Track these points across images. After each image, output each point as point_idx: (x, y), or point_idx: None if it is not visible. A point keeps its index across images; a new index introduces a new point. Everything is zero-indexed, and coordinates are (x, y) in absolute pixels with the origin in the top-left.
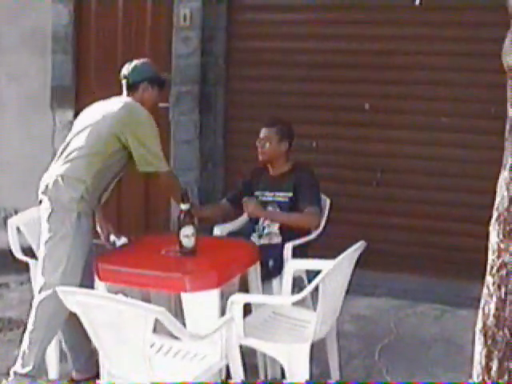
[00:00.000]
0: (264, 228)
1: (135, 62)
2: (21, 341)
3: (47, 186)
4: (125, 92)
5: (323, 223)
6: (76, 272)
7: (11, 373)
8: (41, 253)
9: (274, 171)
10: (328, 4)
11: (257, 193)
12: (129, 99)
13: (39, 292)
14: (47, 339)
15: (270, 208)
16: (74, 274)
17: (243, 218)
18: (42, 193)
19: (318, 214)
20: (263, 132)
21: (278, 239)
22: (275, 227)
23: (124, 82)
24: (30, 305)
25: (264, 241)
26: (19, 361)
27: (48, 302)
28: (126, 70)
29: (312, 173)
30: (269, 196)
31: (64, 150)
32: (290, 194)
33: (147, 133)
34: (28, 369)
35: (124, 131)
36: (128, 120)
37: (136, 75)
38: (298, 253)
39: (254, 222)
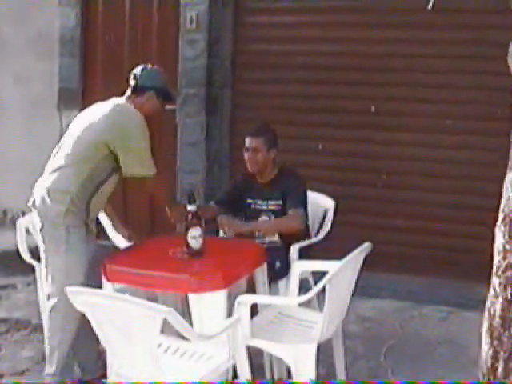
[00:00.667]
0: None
1: (149, 67)
2: (28, 341)
3: (35, 201)
4: (128, 92)
5: (328, 226)
6: (76, 280)
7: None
8: (42, 261)
9: (263, 178)
10: (333, 7)
11: (249, 200)
12: (125, 104)
13: (48, 299)
14: (65, 342)
15: (264, 217)
16: (74, 283)
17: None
18: (32, 206)
19: (300, 216)
20: (250, 142)
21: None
22: (276, 236)
23: (132, 82)
24: (37, 306)
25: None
26: (47, 365)
27: (56, 309)
28: (138, 71)
29: (297, 176)
30: (262, 205)
31: (55, 155)
32: (280, 202)
33: (135, 139)
34: (51, 371)
35: (113, 138)
36: (118, 127)
37: (146, 80)
38: (303, 254)
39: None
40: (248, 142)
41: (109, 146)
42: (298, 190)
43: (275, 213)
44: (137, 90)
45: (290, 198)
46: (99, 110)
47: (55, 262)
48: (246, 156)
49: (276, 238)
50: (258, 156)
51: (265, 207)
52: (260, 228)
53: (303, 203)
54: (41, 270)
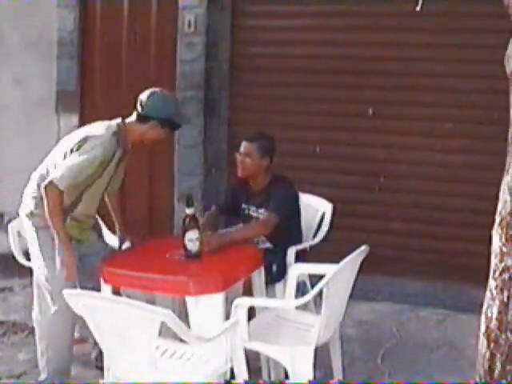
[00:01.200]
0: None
1: (156, 94)
2: (25, 344)
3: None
4: (133, 117)
5: (326, 230)
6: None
7: None
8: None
9: (256, 186)
10: (331, 10)
11: (244, 205)
12: (109, 130)
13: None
14: (53, 348)
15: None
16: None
17: (238, 226)
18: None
19: (268, 221)
20: (244, 146)
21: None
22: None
23: (138, 108)
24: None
25: None
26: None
27: (43, 313)
28: (145, 98)
29: (285, 184)
30: (254, 211)
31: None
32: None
33: (80, 153)
34: (42, 377)
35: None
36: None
37: (150, 109)
38: (300, 257)
39: None
40: (242, 146)
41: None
42: (280, 196)
43: None
44: (141, 118)
45: (270, 203)
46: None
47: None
48: (238, 159)
49: (267, 243)
50: (248, 161)
51: (255, 214)
52: (232, 239)
53: (278, 205)
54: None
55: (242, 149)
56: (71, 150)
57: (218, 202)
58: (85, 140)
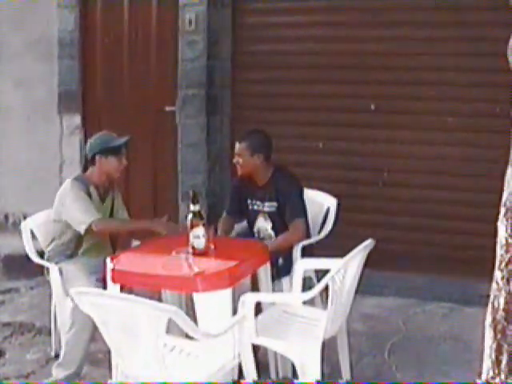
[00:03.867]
0: (259, 232)
1: (90, 139)
2: (32, 344)
3: None
4: (87, 167)
5: (331, 225)
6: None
7: None
8: None
9: (259, 181)
10: (332, 6)
11: (249, 201)
12: (68, 181)
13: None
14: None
15: (260, 219)
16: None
17: (244, 223)
18: None
19: (301, 227)
20: (236, 147)
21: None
22: (268, 229)
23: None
24: (41, 309)
25: None
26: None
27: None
28: (86, 148)
29: (291, 179)
30: (260, 206)
31: None
32: (275, 204)
33: (68, 202)
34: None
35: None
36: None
37: (89, 151)
38: (306, 253)
39: (251, 226)
40: (236, 147)
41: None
42: (293, 193)
43: (271, 214)
44: (90, 162)
45: (289, 207)
46: None
47: None
48: (234, 161)
49: (269, 230)
50: (241, 161)
51: (261, 208)
52: (273, 249)
53: (302, 209)
54: (55, 270)
55: (235, 150)
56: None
57: (225, 209)
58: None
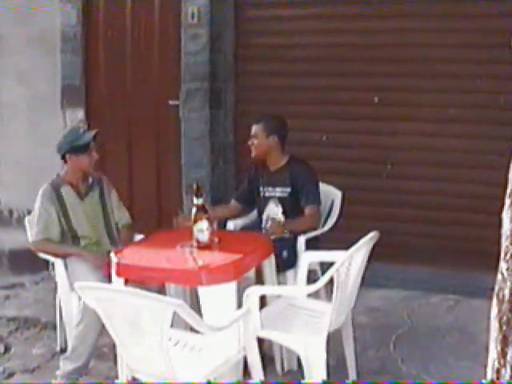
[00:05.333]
0: (268, 218)
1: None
2: (38, 339)
3: None
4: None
5: (335, 217)
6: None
7: None
8: None
9: (272, 166)
10: None
11: (260, 188)
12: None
13: None
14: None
15: (271, 204)
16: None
17: (253, 214)
18: None
19: (316, 214)
20: (252, 129)
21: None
22: (279, 214)
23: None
24: (46, 304)
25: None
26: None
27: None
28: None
29: (308, 167)
30: (271, 192)
31: None
32: (289, 189)
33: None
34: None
35: None
36: None
37: (58, 151)
38: (311, 245)
39: (260, 213)
40: (252, 129)
41: None
42: (311, 183)
43: (282, 200)
44: (64, 161)
45: (304, 191)
46: None
47: None
48: (250, 143)
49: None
50: (256, 142)
51: (273, 194)
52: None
53: (318, 196)
54: (60, 265)
55: (251, 132)
56: None
57: (235, 195)
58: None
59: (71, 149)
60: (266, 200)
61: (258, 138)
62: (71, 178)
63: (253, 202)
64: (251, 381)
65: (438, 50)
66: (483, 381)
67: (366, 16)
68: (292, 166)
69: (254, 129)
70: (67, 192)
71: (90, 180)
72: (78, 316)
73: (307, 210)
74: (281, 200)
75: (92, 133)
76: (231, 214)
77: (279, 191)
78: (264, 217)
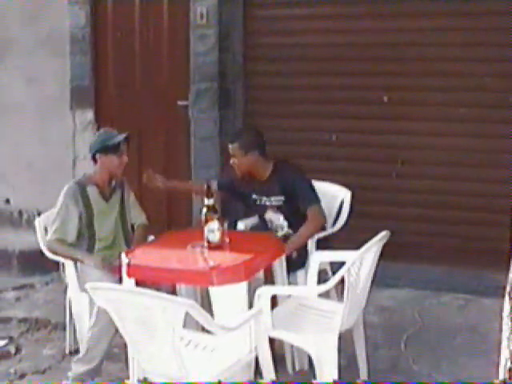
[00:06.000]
0: (271, 222)
1: (92, 141)
2: (48, 340)
3: None
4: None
5: (345, 217)
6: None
7: None
8: None
9: (260, 177)
10: None
11: (254, 196)
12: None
13: None
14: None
15: (270, 212)
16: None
17: (254, 218)
18: None
19: (318, 212)
20: (230, 149)
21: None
22: (280, 219)
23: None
24: (56, 305)
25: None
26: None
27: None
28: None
29: (295, 169)
30: (266, 201)
31: None
32: (282, 198)
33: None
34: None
35: None
36: None
37: (90, 150)
38: (321, 245)
39: (261, 218)
40: (229, 149)
41: None
42: (303, 184)
43: (279, 207)
44: (93, 160)
45: (300, 195)
46: None
47: None
48: (231, 162)
49: (289, 230)
50: (237, 161)
51: (268, 203)
52: (297, 245)
53: (315, 195)
54: (71, 266)
55: (230, 152)
56: None
57: (219, 184)
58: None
59: (102, 148)
60: (264, 208)
61: (238, 158)
62: (98, 178)
63: (233, 197)
64: (262, 381)
65: (446, 49)
66: (495, 381)
67: (375, 15)
68: (279, 173)
69: (231, 149)
70: (93, 192)
71: (114, 183)
72: (92, 318)
73: (309, 212)
74: (278, 208)
75: (123, 135)
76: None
77: (274, 200)
78: (267, 219)
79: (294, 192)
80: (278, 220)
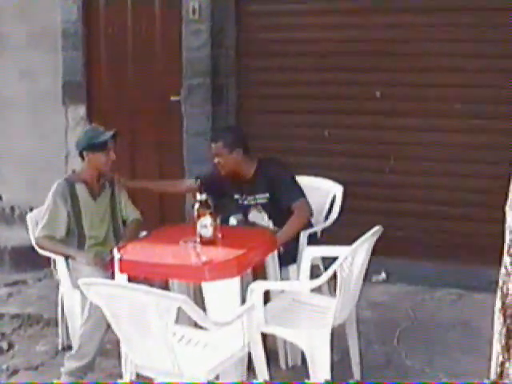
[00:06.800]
0: (255, 224)
1: (78, 138)
2: (41, 336)
3: None
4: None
5: (337, 212)
6: None
7: None
8: None
9: (244, 176)
10: None
11: (236, 196)
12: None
13: None
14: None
15: (254, 211)
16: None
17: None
18: None
19: (305, 204)
20: (213, 149)
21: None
22: (265, 219)
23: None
24: (49, 301)
25: None
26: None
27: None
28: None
29: (279, 165)
30: (250, 200)
31: None
32: (267, 195)
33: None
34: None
35: None
36: None
37: (76, 148)
38: (312, 241)
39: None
40: (212, 149)
41: None
42: (286, 179)
43: (264, 205)
44: (81, 158)
45: (284, 191)
46: None
47: None
48: (215, 161)
49: (275, 228)
50: (222, 160)
51: (253, 202)
52: (286, 238)
53: (299, 190)
54: (62, 262)
55: (213, 151)
56: None
57: (201, 177)
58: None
59: (89, 146)
60: (246, 207)
61: (223, 157)
62: (87, 176)
63: (211, 192)
64: (254, 381)
65: (440, 45)
66: (485, 381)
67: (369, 10)
68: (263, 170)
69: (215, 148)
70: (81, 190)
71: (103, 180)
72: (85, 314)
73: (295, 206)
74: (263, 206)
75: (111, 132)
76: (185, 190)
77: (259, 198)
78: (250, 221)
79: (279, 188)
80: (261, 220)
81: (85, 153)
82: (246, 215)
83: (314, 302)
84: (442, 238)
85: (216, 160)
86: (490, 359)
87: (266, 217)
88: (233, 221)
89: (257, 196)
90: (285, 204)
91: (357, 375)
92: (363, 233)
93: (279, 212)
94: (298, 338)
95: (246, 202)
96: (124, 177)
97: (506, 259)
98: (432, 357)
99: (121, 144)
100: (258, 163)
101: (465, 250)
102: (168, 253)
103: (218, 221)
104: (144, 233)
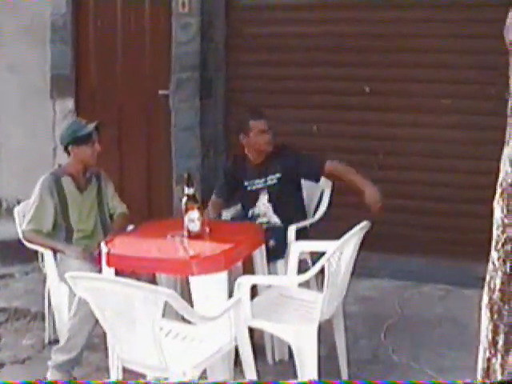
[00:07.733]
0: (254, 215)
1: (61, 131)
2: (28, 330)
3: None
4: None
5: (325, 207)
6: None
7: None
8: None
9: (260, 158)
10: None
11: (246, 183)
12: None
13: None
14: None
15: (262, 197)
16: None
17: (237, 206)
18: None
19: (334, 161)
20: (264, 124)
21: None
22: (265, 203)
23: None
24: (36, 294)
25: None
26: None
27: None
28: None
29: (289, 147)
30: (260, 183)
31: None
32: (279, 175)
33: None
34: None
35: None
36: None
37: (61, 142)
38: (301, 235)
39: (246, 209)
40: (263, 124)
41: None
42: (302, 154)
43: (272, 188)
44: (66, 152)
45: (308, 161)
46: None
47: None
48: (267, 138)
49: (276, 218)
50: (269, 135)
51: (261, 185)
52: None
53: (317, 156)
54: (49, 255)
55: (263, 127)
56: None
57: (216, 191)
58: None
59: (73, 140)
60: (256, 193)
61: (269, 132)
62: (73, 169)
63: (234, 197)
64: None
65: (429, 40)
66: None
67: (358, 6)
68: (279, 151)
69: (263, 124)
70: (67, 183)
71: (89, 174)
72: (73, 307)
73: (328, 167)
74: (269, 188)
75: (93, 124)
76: (219, 210)
77: (269, 179)
78: (255, 212)
79: (301, 162)
80: (263, 205)
81: (70, 147)
82: (254, 202)
83: (302, 297)
84: (429, 234)
85: (267, 136)
86: (477, 355)
87: (266, 199)
88: (226, 215)
89: (268, 178)
90: (315, 170)
91: (344, 370)
92: (351, 228)
93: (283, 196)
94: (285, 332)
95: (254, 187)
96: (111, 170)
97: (494, 255)
98: (419, 352)
99: (109, 138)
100: (279, 147)
101: (453, 245)
102: (155, 247)
103: (206, 215)
104: (131, 226)
